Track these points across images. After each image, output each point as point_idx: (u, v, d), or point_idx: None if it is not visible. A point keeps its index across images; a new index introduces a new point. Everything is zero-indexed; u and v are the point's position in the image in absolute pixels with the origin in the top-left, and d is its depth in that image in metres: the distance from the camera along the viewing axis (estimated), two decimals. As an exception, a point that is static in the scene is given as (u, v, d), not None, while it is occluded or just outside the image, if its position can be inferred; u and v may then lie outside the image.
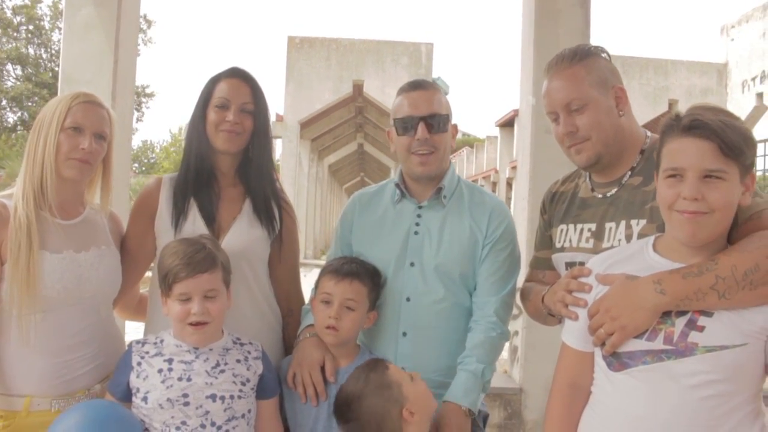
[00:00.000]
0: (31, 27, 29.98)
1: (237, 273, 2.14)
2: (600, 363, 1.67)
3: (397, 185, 2.33)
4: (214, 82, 2.27)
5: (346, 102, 19.60)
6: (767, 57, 16.81)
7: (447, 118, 2.26)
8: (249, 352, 2.06)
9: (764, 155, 15.13)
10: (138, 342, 2.04)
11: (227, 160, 2.30)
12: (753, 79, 17.38)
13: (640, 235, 1.79)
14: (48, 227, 2.04)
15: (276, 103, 18.95)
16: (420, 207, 2.30)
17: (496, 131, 32.92)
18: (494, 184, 30.35)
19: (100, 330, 2.15)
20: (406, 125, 2.23)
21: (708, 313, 1.53)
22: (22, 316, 1.96)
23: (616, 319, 1.60)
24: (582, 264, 1.85)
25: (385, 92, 17.41)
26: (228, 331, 2.07)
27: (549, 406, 1.80)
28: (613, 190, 1.93)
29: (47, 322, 2.01)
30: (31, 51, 30.24)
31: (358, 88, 18.11)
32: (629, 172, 1.92)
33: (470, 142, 41.89)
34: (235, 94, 2.23)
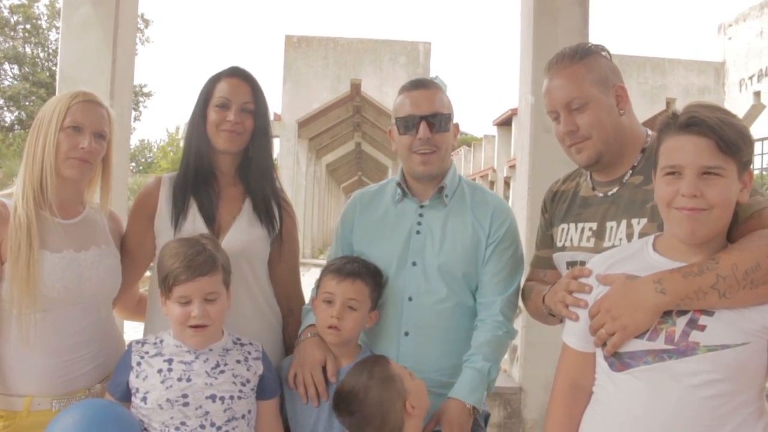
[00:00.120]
0: (28, 26, 29.88)
1: (237, 273, 2.13)
2: (602, 363, 1.66)
3: (398, 184, 2.32)
4: (214, 81, 2.26)
5: (343, 101, 19.60)
6: (764, 55, 16.83)
7: (449, 117, 2.25)
8: (249, 353, 2.05)
9: (762, 154, 15.13)
10: (138, 342, 2.03)
11: (227, 160, 2.30)
12: (750, 78, 17.41)
13: (641, 235, 1.78)
14: (48, 226, 2.03)
15: (273, 103, 18.99)
16: (422, 206, 2.30)
17: (493, 130, 32.96)
18: (492, 183, 30.34)
19: (100, 330, 2.15)
20: (407, 124, 2.22)
21: (709, 313, 1.53)
22: (22, 315, 1.95)
23: (617, 320, 1.59)
24: (583, 263, 1.85)
25: (383, 91, 17.42)
26: (228, 332, 2.06)
27: (550, 407, 1.80)
28: (614, 189, 1.93)
29: (47, 322, 2.00)
30: (28, 50, 30.15)
31: (355, 87, 18.11)
32: (630, 171, 1.92)
33: (467, 141, 41.91)
34: (235, 93, 2.23)
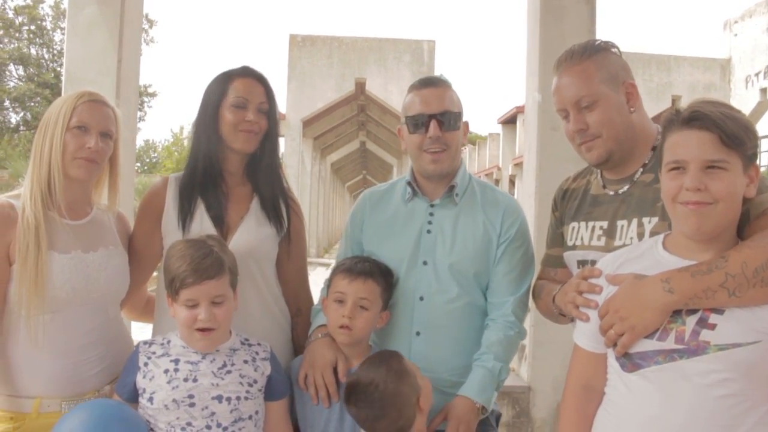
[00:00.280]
0: (33, 27, 30.03)
1: (245, 273, 2.12)
2: (613, 364, 1.65)
3: (408, 183, 2.31)
4: (225, 80, 2.23)
5: (348, 100, 19.60)
6: (771, 52, 16.77)
7: (459, 115, 2.24)
8: (257, 353, 2.04)
9: (768, 151, 15.12)
10: (145, 342, 2.03)
11: (237, 160, 2.28)
12: (756, 75, 17.36)
13: (652, 233, 1.77)
14: (56, 227, 2.03)
15: (278, 102, 18.97)
16: (432, 205, 2.28)
17: (498, 128, 32.95)
18: (497, 181, 30.35)
19: (109, 331, 2.14)
20: (417, 123, 2.21)
21: (719, 311, 1.52)
22: (31, 316, 1.95)
23: (626, 320, 1.58)
24: (594, 262, 1.84)
25: (388, 90, 17.44)
26: (236, 332, 2.05)
27: (563, 408, 1.79)
28: (625, 187, 1.91)
29: (56, 323, 2.00)
30: (33, 51, 30.30)
31: (360, 86, 18.12)
32: (641, 169, 1.90)
33: (472, 140, 41.87)
34: (251, 93, 2.21)
